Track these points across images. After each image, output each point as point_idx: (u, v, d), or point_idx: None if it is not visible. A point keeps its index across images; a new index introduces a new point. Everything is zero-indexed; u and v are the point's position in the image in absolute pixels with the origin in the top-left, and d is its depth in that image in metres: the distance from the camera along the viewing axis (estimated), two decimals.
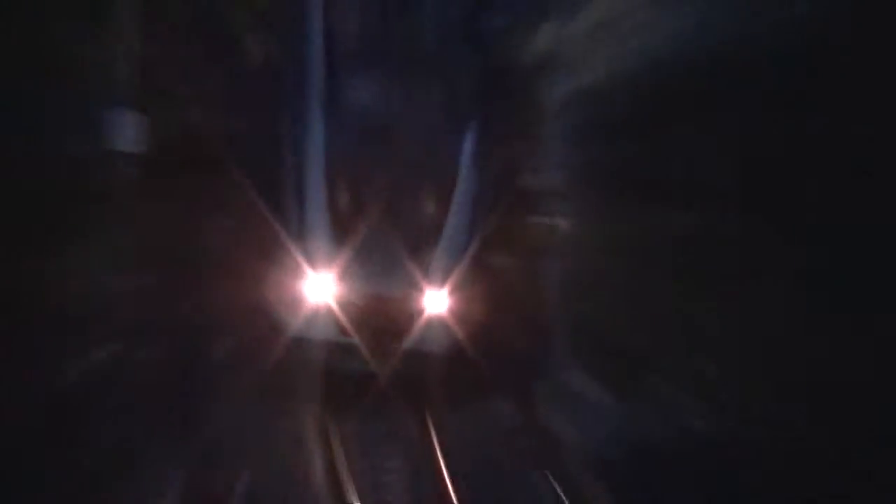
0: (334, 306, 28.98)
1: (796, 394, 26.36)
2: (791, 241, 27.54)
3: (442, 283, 29.10)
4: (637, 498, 27.16)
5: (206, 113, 33.73)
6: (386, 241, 28.71)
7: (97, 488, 24.46)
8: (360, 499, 25.92)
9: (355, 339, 28.46)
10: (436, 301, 28.97)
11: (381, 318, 28.86)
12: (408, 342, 28.70)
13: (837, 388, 24.83)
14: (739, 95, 31.07)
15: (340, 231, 28.86)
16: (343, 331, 28.61)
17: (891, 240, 23.58)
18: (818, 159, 27.01)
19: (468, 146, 29.66)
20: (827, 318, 25.70)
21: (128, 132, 31.11)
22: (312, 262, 29.21)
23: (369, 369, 28.38)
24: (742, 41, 32.36)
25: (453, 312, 29.35)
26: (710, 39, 33.57)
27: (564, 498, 27.18)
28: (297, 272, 29.37)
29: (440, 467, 26.75)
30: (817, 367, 25.71)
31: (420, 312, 28.91)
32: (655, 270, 31.72)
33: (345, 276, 28.87)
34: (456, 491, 25.79)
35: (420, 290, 28.87)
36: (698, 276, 30.45)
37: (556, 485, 27.92)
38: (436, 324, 29.12)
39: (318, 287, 29.02)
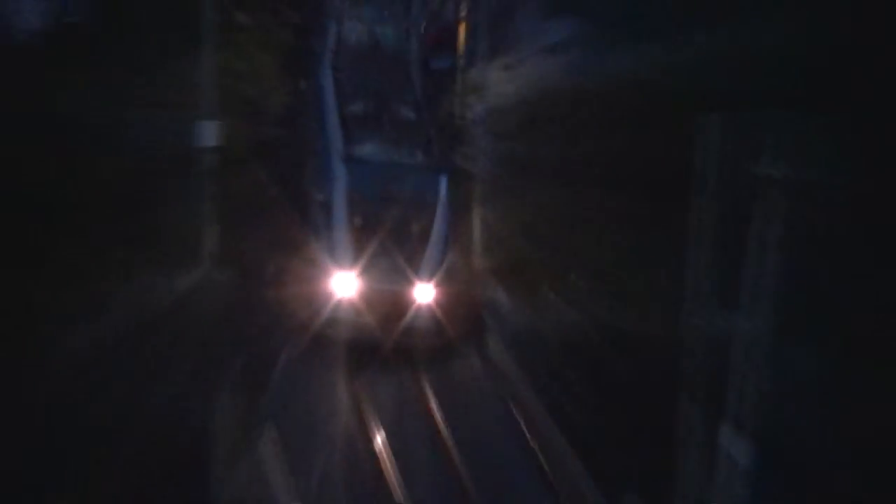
0: (354, 296, 38.14)
1: (629, 299, 34.88)
2: (618, 199, 36.37)
3: (428, 279, 38.21)
4: (530, 356, 37.98)
5: (257, 125, 44.47)
6: (389, 252, 37.83)
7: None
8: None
9: (369, 318, 37.74)
10: (424, 292, 38.34)
11: (386, 305, 38.01)
12: (405, 320, 38.01)
13: (650, 293, 33.06)
14: (589, 114, 42.28)
15: (357, 245, 37.92)
16: (360, 313, 37.82)
17: (668, 192, 31.62)
18: (631, 154, 36.47)
19: (443, 187, 39.79)
20: (643, 248, 34.36)
21: (210, 134, 39.55)
22: (338, 266, 38.34)
23: (378, 338, 37.71)
24: (589, 80, 44.01)
25: (435, 299, 38.72)
26: (571, 79, 44.96)
27: (494, 361, 38.51)
28: (327, 273, 38.61)
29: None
30: (643, 280, 33.89)
31: (413, 300, 38.30)
32: (546, 223, 41.19)
33: (361, 275, 38.08)
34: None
35: (413, 285, 38.08)
36: (573, 225, 39.80)
37: (489, 356, 39.31)
38: (424, 308, 38.34)
39: (343, 283, 38.15)
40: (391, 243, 37.66)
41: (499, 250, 43.25)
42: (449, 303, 38.56)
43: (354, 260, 37.56)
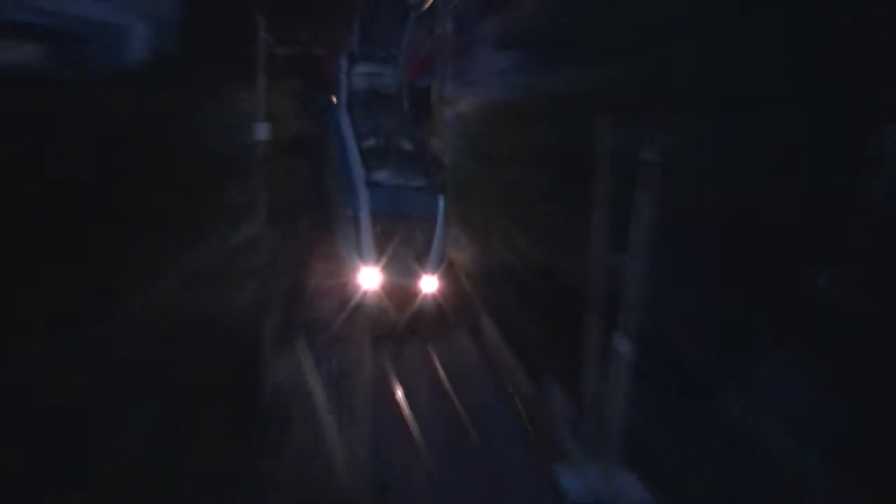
0: (376, 287, 37.47)
1: (552, 247, 36.95)
2: (546, 178, 38.55)
3: (432, 273, 37.45)
4: (483, 287, 39.72)
5: (291, 126, 45.36)
6: (402, 253, 37.26)
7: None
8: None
9: (388, 304, 37.29)
10: (429, 283, 37.74)
11: (400, 294, 37.46)
12: (414, 306, 37.58)
13: (567, 242, 34.55)
14: (526, 118, 44.13)
15: (379, 248, 37.26)
16: (381, 300, 37.32)
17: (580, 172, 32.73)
18: (555, 146, 38.42)
19: (440, 204, 38.69)
20: (562, 211, 36.10)
21: (262, 132, 39.99)
22: (364, 264, 37.51)
23: (394, 320, 37.48)
24: (526, 94, 46.19)
25: (438, 290, 38.00)
26: (513, 93, 47.00)
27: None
28: (355, 269, 37.79)
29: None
30: (562, 233, 35.81)
31: (421, 291, 37.70)
32: (497, 197, 42.72)
33: (381, 272, 37.38)
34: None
35: (421, 278, 37.41)
36: (515, 198, 41.41)
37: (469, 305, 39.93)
38: (429, 297, 37.73)
39: (368, 277, 37.44)
40: (404, 247, 37.50)
41: (463, 218, 43.86)
42: (446, 289, 38.76)
43: (377, 259, 37.31)
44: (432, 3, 55.21)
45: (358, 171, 39.58)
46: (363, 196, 37.70)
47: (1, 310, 21.93)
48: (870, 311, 33.49)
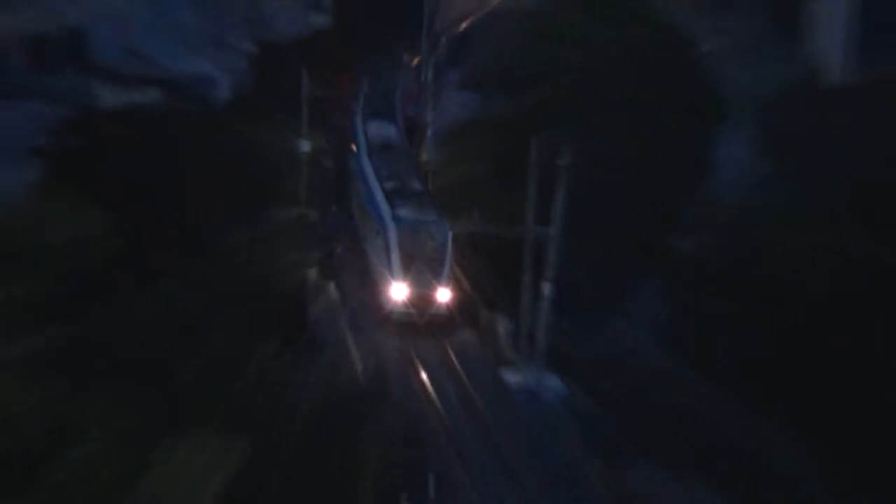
0: (403, 297, 34.41)
1: (502, 220, 35.20)
2: (499, 177, 38.03)
3: (445, 286, 34.46)
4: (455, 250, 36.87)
5: (325, 144, 45.08)
6: (423, 271, 34.46)
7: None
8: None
9: (412, 310, 34.42)
10: (443, 294, 34.64)
11: (422, 302, 34.43)
12: (432, 311, 34.41)
13: (511, 218, 33.25)
14: (483, 134, 44.29)
15: (405, 268, 34.35)
16: (407, 307, 34.40)
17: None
18: (504, 155, 37.38)
19: (449, 233, 35.19)
20: (509, 198, 34.78)
21: (305, 146, 40.58)
22: (395, 280, 34.39)
23: (417, 322, 34.36)
24: (482, 118, 46.54)
25: (450, 299, 34.67)
26: (473, 117, 47.50)
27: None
28: (387, 283, 34.50)
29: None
30: (508, 212, 34.29)
31: (437, 299, 34.60)
32: (466, 190, 41.20)
33: (408, 285, 34.36)
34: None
35: (437, 290, 34.41)
36: (478, 190, 40.60)
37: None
38: (443, 304, 34.55)
39: (397, 290, 34.41)
40: (423, 266, 34.63)
41: (444, 204, 39.52)
42: (454, 298, 35.46)
43: (404, 276, 34.38)
44: (418, 61, 55.42)
45: (385, 208, 36.63)
46: (392, 229, 35.04)
47: (163, 243, 22.73)
48: (701, 260, 34.51)
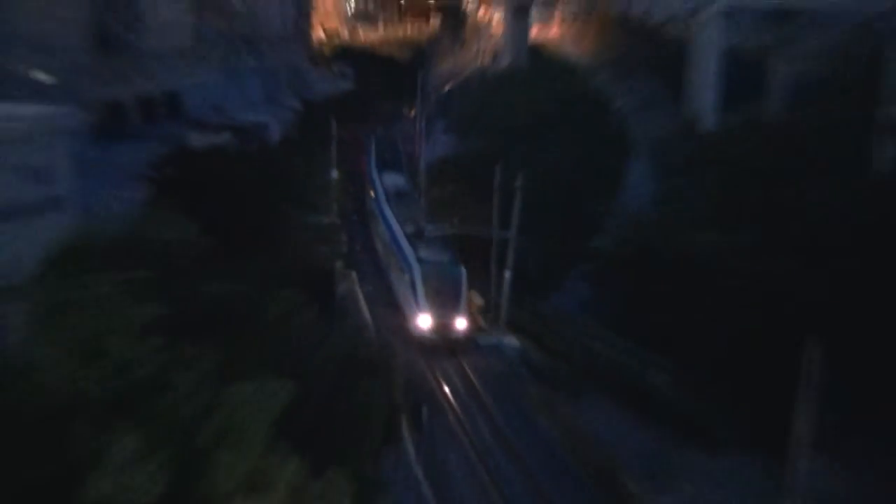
0: (428, 325, 29.99)
1: (476, 224, 33.35)
2: (473, 195, 36.75)
3: (463, 316, 30.06)
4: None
5: (348, 171, 44.39)
6: (444, 303, 30.10)
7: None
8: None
9: (435, 335, 29.84)
10: (462, 323, 30.10)
11: (444, 329, 29.98)
12: (453, 336, 29.90)
13: (483, 222, 32.71)
14: (459, 164, 44.30)
15: (429, 301, 30.02)
16: (431, 332, 29.89)
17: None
18: (478, 178, 35.87)
19: (464, 272, 31.11)
20: (480, 210, 33.54)
21: (334, 173, 40.02)
22: (420, 312, 30.18)
23: (440, 344, 29.74)
24: (460, 152, 46.16)
25: (467, 327, 30.24)
26: (454, 152, 46.95)
27: None
28: (414, 314, 30.33)
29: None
30: (481, 219, 33.18)
31: (457, 327, 30.10)
32: (448, 204, 39.50)
33: (431, 315, 30.06)
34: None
35: (457, 319, 29.99)
36: (458, 204, 38.67)
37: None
38: (461, 330, 30.06)
39: (423, 319, 30.05)
40: (444, 299, 30.32)
41: (432, 213, 38.32)
42: (471, 325, 30.90)
43: (428, 308, 30.16)
44: (414, 113, 55.33)
45: (409, 250, 32.82)
46: (416, 269, 31.14)
47: (236, 243, 22.42)
48: (612, 253, 34.32)
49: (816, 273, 24.29)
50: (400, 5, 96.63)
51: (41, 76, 41.02)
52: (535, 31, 72.73)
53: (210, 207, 25.23)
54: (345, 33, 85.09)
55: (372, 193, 42.18)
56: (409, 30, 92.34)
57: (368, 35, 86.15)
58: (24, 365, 14.39)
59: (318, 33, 76.86)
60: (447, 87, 70.96)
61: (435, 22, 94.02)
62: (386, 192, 40.42)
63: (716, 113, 43.65)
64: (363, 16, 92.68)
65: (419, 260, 31.63)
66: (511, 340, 30.28)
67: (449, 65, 79.79)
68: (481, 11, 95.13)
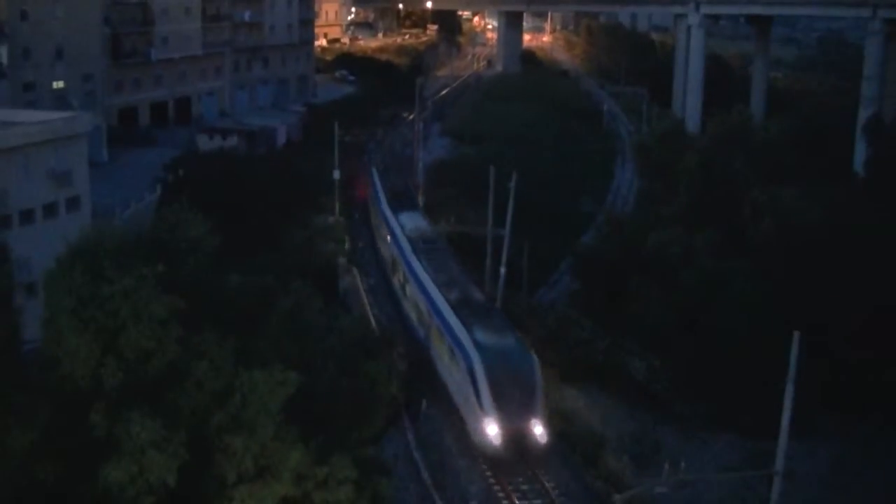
0: (496, 433, 20.41)
1: (468, 224, 34.53)
2: (467, 201, 37.48)
3: (540, 419, 21.42)
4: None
5: (350, 172, 42.41)
6: (515, 403, 21.14)
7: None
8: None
9: (505, 445, 20.57)
10: (539, 428, 21.06)
11: (516, 436, 20.84)
12: (527, 445, 21.41)
13: (476, 223, 33.52)
14: (452, 169, 44.32)
15: (496, 401, 20.80)
16: (500, 441, 20.39)
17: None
18: (471, 184, 36.78)
19: (536, 361, 22.24)
20: (473, 213, 34.44)
21: (336, 174, 37.37)
22: (486, 416, 20.22)
23: (509, 458, 21.04)
24: (454, 156, 45.22)
25: (542, 431, 21.34)
26: (450, 156, 46.29)
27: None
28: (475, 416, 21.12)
29: None
30: (473, 220, 34.46)
31: (534, 433, 20.97)
32: (444, 201, 39.01)
33: (497, 419, 20.40)
34: None
35: (533, 423, 21.24)
36: (454, 202, 38.64)
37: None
38: (536, 436, 21.30)
39: (490, 426, 20.25)
40: (516, 398, 21.42)
41: (430, 212, 36.45)
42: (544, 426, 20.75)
43: (495, 410, 21.00)
44: (412, 117, 55.51)
45: (460, 328, 23.45)
46: (477, 361, 21.97)
47: (245, 240, 22.52)
48: (597, 248, 34.42)
49: (788, 269, 24.90)
50: (398, 14, 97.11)
51: (61, 84, 41.69)
52: (527, 39, 72.98)
53: (221, 207, 24.94)
54: (346, 41, 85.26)
55: (387, 237, 32.68)
56: (407, 37, 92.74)
57: (368, 43, 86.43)
58: (48, 356, 14.63)
59: (321, 41, 77.06)
60: (443, 94, 71.21)
61: (432, 30, 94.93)
62: (411, 241, 30.53)
63: (700, 116, 44.58)
64: (363, 24, 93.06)
65: (478, 346, 22.62)
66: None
67: (445, 71, 79.42)
68: (476, 20, 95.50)
